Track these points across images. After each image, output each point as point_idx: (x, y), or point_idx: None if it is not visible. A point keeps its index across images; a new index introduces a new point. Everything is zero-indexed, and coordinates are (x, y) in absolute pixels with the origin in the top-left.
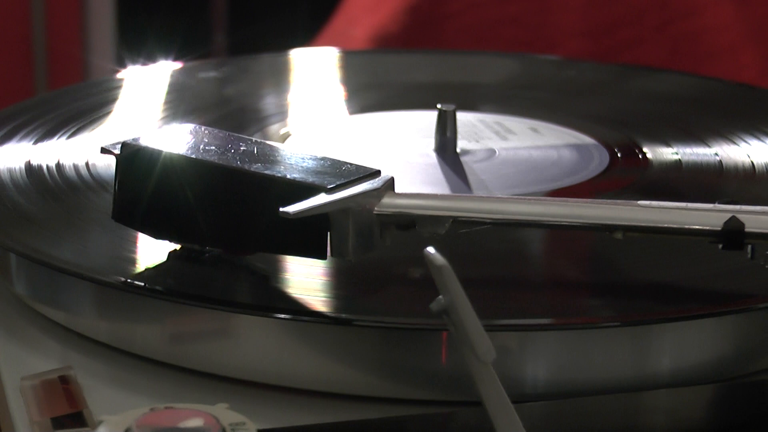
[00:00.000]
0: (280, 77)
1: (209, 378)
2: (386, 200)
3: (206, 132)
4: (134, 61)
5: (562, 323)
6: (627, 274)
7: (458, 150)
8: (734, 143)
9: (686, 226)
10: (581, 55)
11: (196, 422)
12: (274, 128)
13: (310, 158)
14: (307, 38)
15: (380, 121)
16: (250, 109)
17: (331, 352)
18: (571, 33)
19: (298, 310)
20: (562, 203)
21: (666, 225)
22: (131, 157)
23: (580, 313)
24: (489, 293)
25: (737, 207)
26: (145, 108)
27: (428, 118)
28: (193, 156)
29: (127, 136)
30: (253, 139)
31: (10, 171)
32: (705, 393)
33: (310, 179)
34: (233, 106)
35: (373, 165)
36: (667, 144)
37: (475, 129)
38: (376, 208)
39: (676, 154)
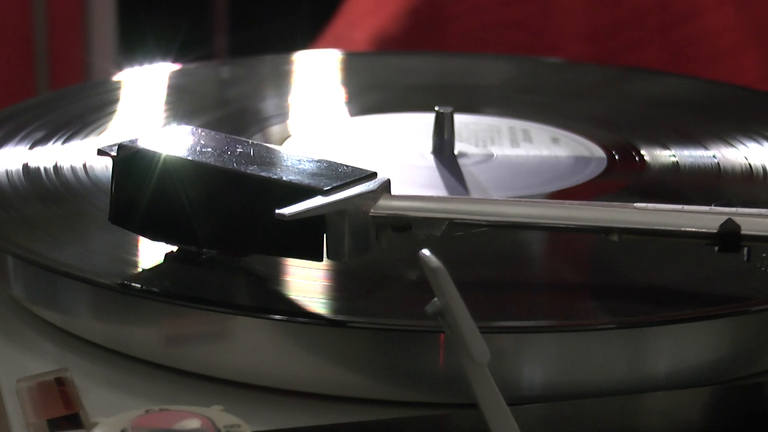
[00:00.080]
0: (281, 79)
1: (205, 380)
2: (382, 202)
3: (203, 134)
4: (135, 62)
5: (558, 325)
6: (624, 276)
7: (456, 152)
8: (732, 146)
9: (682, 229)
10: (583, 58)
11: (191, 424)
12: (274, 130)
13: (307, 160)
14: (308, 40)
15: (380, 123)
16: (250, 111)
17: (326, 353)
18: (573, 36)
19: (293, 311)
20: (558, 205)
21: (662, 227)
22: (128, 159)
23: (576, 316)
24: (485, 295)
25: (733, 209)
26: (145, 109)
27: (428, 121)
28: (190, 158)
29: (125, 138)
30: (250, 141)
31: (7, 173)
32: (701, 395)
33: (306, 181)
34: (234, 108)
35: (370, 167)
36: (665, 146)
37: (474, 131)
38: (372, 210)
39: (674, 156)
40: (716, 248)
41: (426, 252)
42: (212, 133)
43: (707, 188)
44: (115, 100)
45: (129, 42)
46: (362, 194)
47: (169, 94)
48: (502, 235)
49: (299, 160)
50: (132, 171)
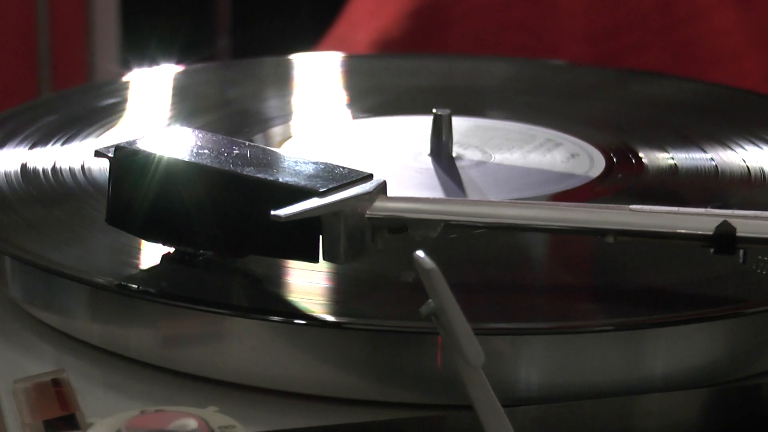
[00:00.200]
0: (282, 81)
1: (202, 381)
2: (378, 204)
3: (200, 135)
4: (138, 64)
5: (555, 327)
6: (620, 278)
7: (454, 154)
8: (731, 148)
9: (678, 231)
10: (584, 60)
11: (185, 425)
12: (275, 131)
13: (303, 162)
14: (310, 42)
15: (380, 126)
16: (252, 112)
17: (322, 355)
18: (574, 37)
19: (289, 313)
20: (553, 207)
21: (657, 229)
22: (125, 160)
23: (573, 318)
24: (482, 297)
25: (729, 211)
26: (146, 111)
27: (427, 123)
28: (187, 159)
29: (125, 140)
30: (247, 142)
31: (5, 174)
32: (698, 397)
33: (302, 183)
34: (235, 109)
35: (368, 169)
36: (664, 149)
37: (472, 133)
38: (367, 212)
39: (672, 159)
40: (712, 250)
41: (420, 253)
42: (209, 134)
43: (705, 191)
44: (117, 102)
45: (131, 43)
46: (358, 196)
47: (171, 96)
48: (498, 236)
49: (296, 162)
50: (129, 172)
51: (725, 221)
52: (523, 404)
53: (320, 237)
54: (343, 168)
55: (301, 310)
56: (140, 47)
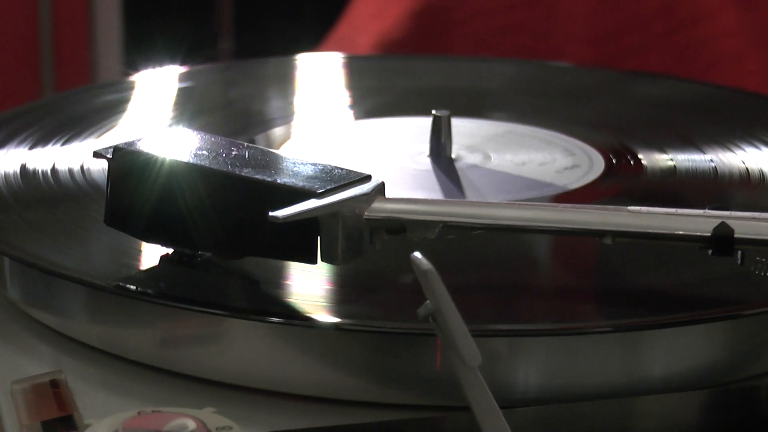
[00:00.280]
0: (284, 82)
1: (201, 382)
2: (376, 205)
3: (198, 136)
4: (141, 65)
5: (553, 329)
6: (619, 280)
7: (453, 155)
8: (730, 150)
9: (676, 232)
10: (586, 62)
11: (182, 426)
12: (277, 132)
13: (301, 163)
14: (312, 44)
15: (381, 127)
16: (254, 113)
17: (320, 356)
18: (577, 40)
19: (287, 314)
20: (551, 208)
21: (655, 231)
22: (123, 161)
23: (571, 319)
24: (480, 298)
25: (727, 213)
26: (148, 112)
27: (427, 124)
28: (185, 160)
29: (123, 141)
30: (246, 143)
31: (5, 175)
32: (697, 398)
33: (300, 184)
34: (237, 110)
35: (367, 170)
36: (663, 150)
37: (473, 134)
38: (365, 213)
39: (671, 160)
40: (710, 251)
41: (417, 254)
42: (208, 135)
43: (704, 192)
44: (118, 103)
45: (134, 45)
46: (356, 197)
47: (173, 97)
48: (496, 238)
49: (294, 163)
50: (127, 173)
51: (723, 222)
52: (522, 405)
53: (318, 238)
54: (342, 169)
55: (298, 311)
56: (143, 48)
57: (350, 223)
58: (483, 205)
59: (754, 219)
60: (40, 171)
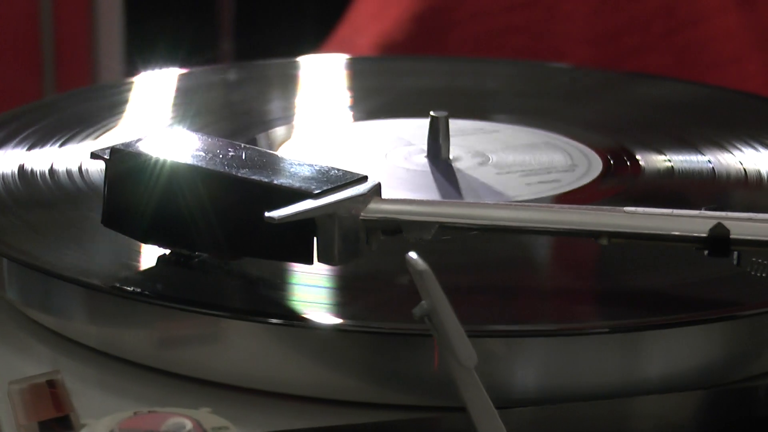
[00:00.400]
0: (285, 83)
1: (198, 383)
2: (372, 206)
3: (196, 137)
4: (142, 66)
5: (550, 330)
6: (615, 281)
7: (451, 156)
8: (728, 151)
9: (672, 233)
10: (586, 63)
11: (178, 425)
12: (277, 133)
13: (299, 164)
14: (313, 46)
15: (380, 128)
16: (254, 114)
17: (316, 357)
18: (577, 41)
19: (283, 315)
20: (547, 209)
21: (651, 231)
22: (120, 162)
23: (568, 320)
24: (478, 299)
25: (723, 213)
26: (149, 113)
27: (426, 125)
28: (182, 161)
29: (121, 142)
30: (243, 144)
31: (3, 176)
32: (693, 399)
33: (297, 184)
34: (238, 111)
35: (364, 170)
36: (661, 151)
37: (471, 135)
38: (362, 214)
39: (669, 161)
40: (706, 252)
41: (413, 255)
42: (205, 136)
43: (701, 193)
44: (117, 104)
45: (136, 46)
46: (352, 198)
47: (173, 98)
48: (493, 239)
49: (291, 164)
50: (124, 174)
51: (719, 223)
52: (519, 406)
53: (315, 239)
54: (338, 170)
55: (294, 312)
56: (144, 49)
57: (346, 224)
58: (479, 206)
59: (750, 220)
60: (38, 172)
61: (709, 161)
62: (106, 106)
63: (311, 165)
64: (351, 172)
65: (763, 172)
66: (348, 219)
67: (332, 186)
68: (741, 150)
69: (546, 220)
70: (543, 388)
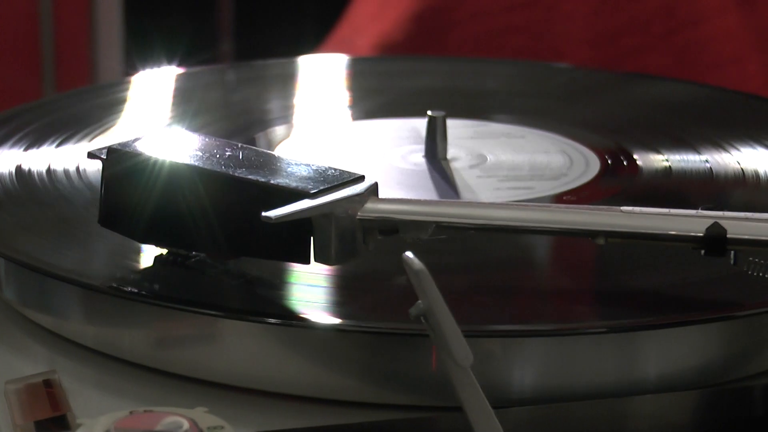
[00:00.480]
0: (284, 83)
1: (195, 382)
2: (369, 205)
3: (193, 137)
4: (142, 66)
5: (547, 330)
6: (612, 281)
7: (449, 156)
8: (726, 151)
9: (668, 232)
10: (586, 63)
11: (173, 425)
12: (276, 133)
13: (295, 163)
14: (313, 46)
15: (378, 127)
16: (253, 114)
17: (313, 356)
18: (576, 41)
19: (280, 314)
20: (544, 209)
21: (648, 231)
22: (117, 162)
23: (565, 320)
24: (475, 299)
25: (720, 213)
26: (148, 113)
27: (424, 125)
28: (179, 161)
29: (119, 141)
30: (240, 144)
31: (0, 175)
32: (689, 399)
33: (294, 184)
34: (237, 111)
35: (362, 170)
36: (659, 151)
37: (469, 135)
38: (358, 213)
39: (667, 161)
40: (702, 252)
41: (409, 254)
42: (202, 136)
43: (699, 193)
44: (116, 104)
45: (135, 45)
46: (349, 197)
47: (172, 98)
48: (490, 238)
49: (288, 164)
50: (121, 174)
51: (716, 223)
52: (516, 406)
53: (311, 238)
54: (335, 169)
55: (291, 311)
56: (144, 49)
57: (343, 224)
58: (476, 206)
59: (746, 219)
60: (35, 171)
61: (707, 161)
62: (104, 106)
63: (308, 165)
64: (348, 172)
65: (761, 171)
66: (345, 219)
67: (329, 186)
68: (738, 150)
69: (543, 219)
70: (540, 387)
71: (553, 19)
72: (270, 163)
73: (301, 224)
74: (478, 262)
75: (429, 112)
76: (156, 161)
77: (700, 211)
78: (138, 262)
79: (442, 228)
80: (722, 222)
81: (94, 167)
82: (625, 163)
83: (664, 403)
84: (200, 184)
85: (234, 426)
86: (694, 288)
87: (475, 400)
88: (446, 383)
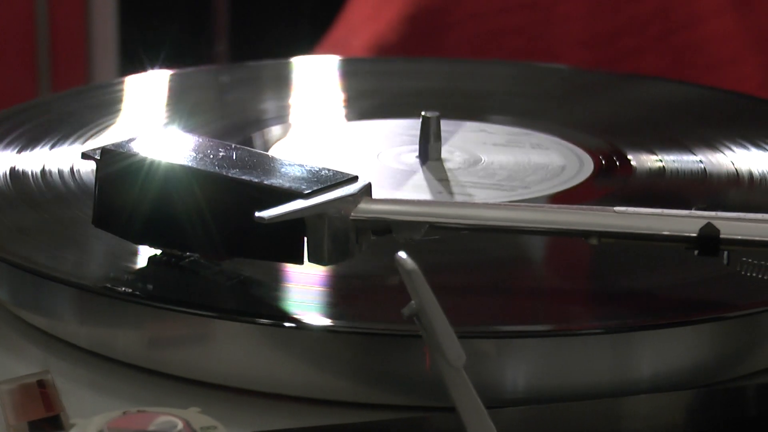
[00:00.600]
0: (280, 84)
1: (189, 383)
2: (362, 206)
3: (187, 138)
4: (137, 67)
5: (541, 331)
6: (606, 282)
7: (443, 156)
8: (720, 151)
9: (661, 233)
10: (582, 65)
11: (167, 425)
12: (270, 133)
13: (289, 164)
14: (308, 47)
15: (373, 128)
16: (248, 115)
17: (306, 357)
18: (573, 43)
19: (273, 315)
20: (537, 209)
21: (641, 231)
22: (111, 162)
23: (559, 321)
24: (471, 300)
25: (713, 213)
26: (142, 114)
27: (419, 126)
28: (172, 161)
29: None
30: (233, 144)
31: None
32: (684, 399)
33: (287, 184)
34: (232, 112)
35: (356, 171)
36: (653, 152)
37: (464, 136)
38: (352, 214)
39: (661, 162)
40: (696, 252)
41: (402, 254)
42: (196, 136)
43: (692, 193)
44: (110, 105)
45: (130, 46)
46: (342, 198)
47: (166, 99)
48: (483, 239)
49: (281, 164)
50: (115, 174)
51: (709, 223)
52: (509, 406)
53: (305, 239)
54: (329, 170)
55: (284, 312)
56: (139, 50)
57: (336, 224)
58: (469, 206)
59: (740, 219)
60: (29, 172)
61: (701, 161)
62: (98, 106)
63: (302, 165)
64: (341, 173)
65: (755, 171)
66: (338, 219)
67: (322, 186)
68: (732, 150)
69: (536, 219)
70: (533, 387)
71: (550, 20)
72: (263, 164)
73: (295, 225)
74: (471, 263)
75: (423, 113)
76: (149, 162)
77: (693, 211)
78: (131, 262)
79: (435, 228)
80: (715, 222)
81: (88, 168)
82: (618, 163)
83: (658, 403)
84: (194, 185)
85: (227, 426)
86: (687, 288)
87: (468, 401)
88: (439, 383)
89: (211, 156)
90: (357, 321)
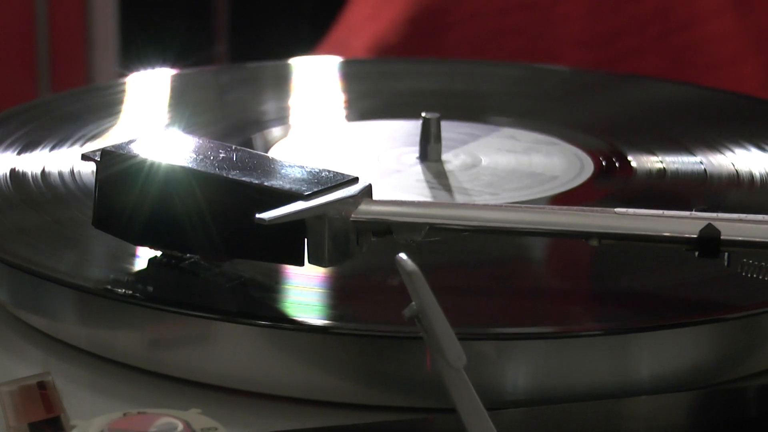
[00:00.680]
0: (280, 85)
1: (189, 384)
2: (363, 207)
3: (187, 139)
4: (137, 67)
5: (542, 332)
6: (606, 283)
7: (443, 158)
8: (720, 152)
9: (662, 234)
10: (582, 65)
11: (167, 426)
12: (271, 135)
13: (289, 165)
14: (308, 47)
15: (373, 129)
16: (248, 116)
17: (306, 358)
18: (573, 43)
19: (274, 317)
20: (537, 210)
21: (641, 232)
22: (111, 163)
23: (559, 322)
24: (471, 301)
25: (713, 214)
26: (143, 114)
27: (419, 127)
28: (172, 163)
29: (113, 143)
30: (234, 146)
31: None
32: (683, 400)
33: (287, 186)
34: (232, 113)
35: (356, 172)
36: (653, 153)
37: (464, 137)
38: (352, 215)
39: (661, 162)
40: (696, 253)
41: (402, 256)
42: (196, 138)
43: (693, 194)
44: (111, 105)
45: (130, 46)
46: (343, 199)
47: (167, 99)
48: (483, 240)
49: (281, 165)
50: (115, 176)
51: (709, 224)
52: (510, 407)
53: (305, 240)
54: (329, 171)
55: (285, 314)
56: (139, 50)
57: (337, 225)
58: (469, 207)
59: (740, 221)
60: (29, 173)
61: (701, 162)
62: (99, 107)
63: (302, 166)
64: (342, 174)
65: (755, 173)
66: (338, 220)
67: (323, 187)
68: (733, 151)
69: (536, 221)
70: (533, 389)
71: (550, 20)
72: (264, 165)
73: (295, 226)
74: (472, 264)
75: (423, 114)
76: (149, 163)
77: (693, 212)
78: (132, 264)
79: (436, 230)
80: (716, 223)
81: (88, 169)
82: (618, 164)
83: (658, 404)
84: (194, 186)
85: (227, 427)
86: (688, 289)
87: (469, 402)
88: (440, 385)
89: (212, 157)
90: (358, 322)
